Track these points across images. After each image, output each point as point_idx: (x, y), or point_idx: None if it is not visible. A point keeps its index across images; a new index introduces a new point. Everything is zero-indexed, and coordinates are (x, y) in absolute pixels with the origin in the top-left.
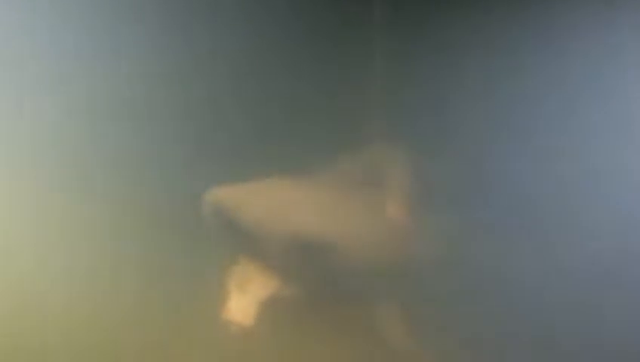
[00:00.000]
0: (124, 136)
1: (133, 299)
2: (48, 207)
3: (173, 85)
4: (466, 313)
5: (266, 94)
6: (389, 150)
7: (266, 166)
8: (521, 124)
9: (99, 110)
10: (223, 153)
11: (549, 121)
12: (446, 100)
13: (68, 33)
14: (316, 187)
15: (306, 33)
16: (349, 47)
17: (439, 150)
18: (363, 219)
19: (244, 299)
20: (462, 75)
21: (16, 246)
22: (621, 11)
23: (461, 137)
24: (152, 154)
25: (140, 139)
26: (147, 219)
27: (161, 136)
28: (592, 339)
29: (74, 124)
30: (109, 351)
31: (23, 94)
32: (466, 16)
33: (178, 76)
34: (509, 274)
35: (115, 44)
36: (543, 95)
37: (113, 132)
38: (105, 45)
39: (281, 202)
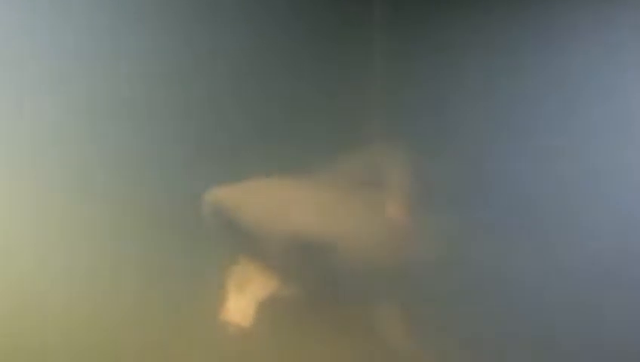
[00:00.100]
0: (124, 136)
1: (133, 299)
2: (48, 207)
3: (173, 85)
4: (466, 313)
5: (266, 94)
6: (389, 150)
7: (266, 166)
8: (521, 124)
9: (99, 110)
10: (223, 153)
11: (549, 121)
12: (446, 100)
13: (68, 33)
14: (316, 187)
15: (306, 33)
16: (349, 47)
17: (439, 150)
18: (363, 219)
19: (244, 298)
20: (462, 75)
21: (16, 246)
22: (621, 11)
23: (461, 137)
24: (152, 154)
25: (140, 139)
26: (147, 219)
27: (161, 136)
28: (592, 339)
29: (74, 124)
30: (109, 351)
31: (23, 94)
32: (466, 16)
33: (178, 76)
34: (509, 274)
35: (115, 44)
36: (543, 95)
37: (113, 132)
38: (105, 45)
39: (281, 202)
